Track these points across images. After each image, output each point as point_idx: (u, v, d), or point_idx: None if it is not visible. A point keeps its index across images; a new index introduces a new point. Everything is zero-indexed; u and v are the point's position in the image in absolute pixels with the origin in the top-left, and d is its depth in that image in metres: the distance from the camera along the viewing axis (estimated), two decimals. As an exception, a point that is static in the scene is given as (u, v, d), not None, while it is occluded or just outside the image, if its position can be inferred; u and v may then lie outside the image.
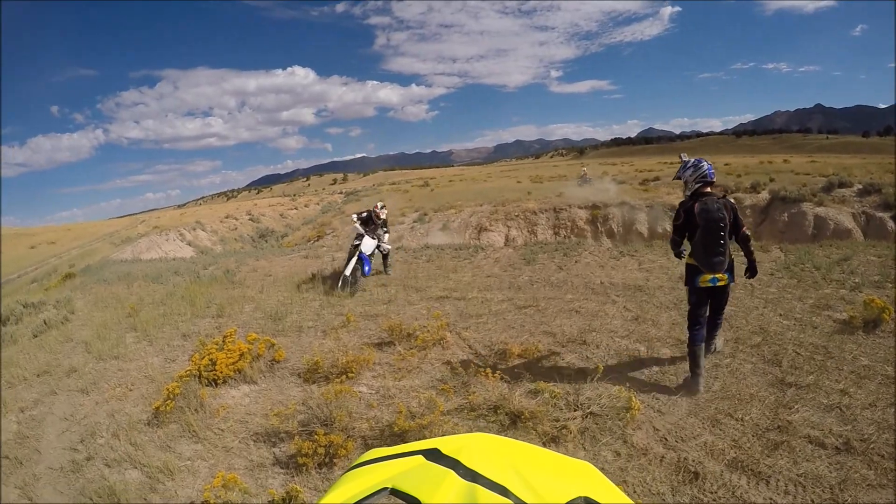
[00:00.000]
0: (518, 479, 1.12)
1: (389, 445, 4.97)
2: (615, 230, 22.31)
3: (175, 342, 8.63)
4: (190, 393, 6.27)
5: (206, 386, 6.61)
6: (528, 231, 22.50)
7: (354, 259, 11.49)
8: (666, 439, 5.05)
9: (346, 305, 9.70)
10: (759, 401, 5.58)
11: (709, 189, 6.01)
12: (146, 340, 8.80)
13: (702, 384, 5.85)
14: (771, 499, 4.19)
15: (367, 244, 11.89)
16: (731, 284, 6.13)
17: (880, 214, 22.47)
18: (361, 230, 11.89)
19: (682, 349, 6.70)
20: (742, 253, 6.16)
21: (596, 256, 12.50)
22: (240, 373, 6.84)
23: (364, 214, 12.38)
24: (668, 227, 20.79)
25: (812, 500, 4.14)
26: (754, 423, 5.22)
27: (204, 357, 6.88)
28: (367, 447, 5.02)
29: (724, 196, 5.99)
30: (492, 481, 1.10)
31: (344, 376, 6.46)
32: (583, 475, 1.27)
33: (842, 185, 26.12)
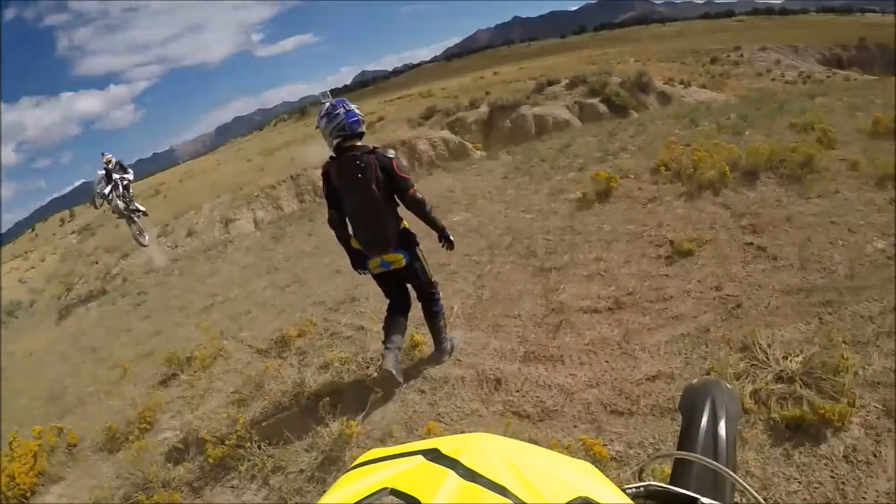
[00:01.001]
0: (518, 478, 1.01)
1: (221, 477, 4.67)
2: (354, 182, 22.18)
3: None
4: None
5: (18, 507, 5.87)
6: (274, 207, 21.66)
7: (109, 185, 13.35)
8: (459, 360, 5.19)
9: (116, 354, 8.86)
10: (529, 293, 5.96)
11: (357, 143, 4.60)
12: None
13: (392, 362, 4.74)
14: (571, 374, 4.55)
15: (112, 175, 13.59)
16: (416, 263, 4.88)
17: (591, 101, 24.59)
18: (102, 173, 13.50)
19: (445, 273, 6.98)
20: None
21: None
22: (42, 475, 6.01)
23: (102, 171, 13.59)
24: (403, 161, 21.08)
25: (605, 360, 4.59)
26: (531, 314, 5.58)
27: (-1, 476, 6.10)
28: (196, 492, 4.82)
29: (374, 150, 4.55)
30: (491, 481, 0.98)
31: (144, 424, 6.04)
32: (583, 475, 1.25)
33: (551, 83, 28.20)
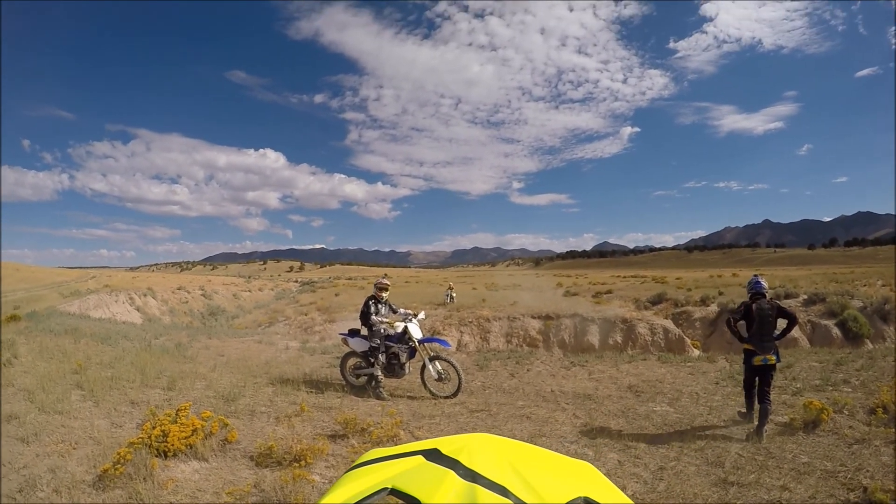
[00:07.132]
0: (518, 479, 1.14)
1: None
2: (567, 340, 22.14)
3: (122, 408, 8.22)
4: (139, 461, 5.83)
5: (156, 457, 6.16)
6: (481, 338, 22.28)
7: (404, 355, 10.28)
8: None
9: (301, 396, 9.49)
10: (703, 500, 5.70)
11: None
12: (92, 400, 8.38)
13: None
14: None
15: (414, 328, 10.42)
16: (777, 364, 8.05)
17: (825, 322, 23.08)
18: (390, 324, 10.42)
19: (629, 454, 6.98)
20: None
21: (547, 365, 12.79)
22: (191, 448, 6.47)
23: (370, 307, 10.43)
24: (619, 338, 21.86)
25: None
26: (700, 522, 5.24)
27: (156, 427, 6.54)
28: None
29: (772, 300, 8.40)
30: (491, 481, 1.12)
31: (297, 463, 6.19)
32: (582, 475, 1.29)
33: (788, 296, 26.67)
